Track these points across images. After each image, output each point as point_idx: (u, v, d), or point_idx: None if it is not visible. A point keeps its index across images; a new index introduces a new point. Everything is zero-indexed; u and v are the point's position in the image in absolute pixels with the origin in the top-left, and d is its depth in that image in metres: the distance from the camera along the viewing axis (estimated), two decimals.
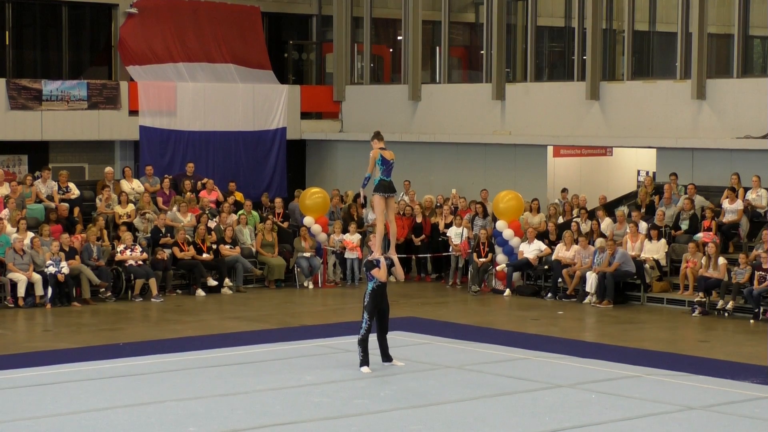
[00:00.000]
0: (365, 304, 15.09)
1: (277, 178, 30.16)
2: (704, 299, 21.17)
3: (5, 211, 23.09)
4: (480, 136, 28.41)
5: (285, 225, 26.05)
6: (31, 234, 22.42)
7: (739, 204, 23.03)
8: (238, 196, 26.50)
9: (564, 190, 26.58)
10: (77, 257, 22.24)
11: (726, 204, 23.17)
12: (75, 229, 23.34)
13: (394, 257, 15.60)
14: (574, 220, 24.44)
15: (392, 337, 16.61)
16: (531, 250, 23.78)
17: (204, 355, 16.48)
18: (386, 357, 15.48)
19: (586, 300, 22.40)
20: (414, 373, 15.14)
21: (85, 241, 22.73)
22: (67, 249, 22.12)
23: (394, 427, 12.38)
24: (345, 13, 31.07)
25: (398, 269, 15.68)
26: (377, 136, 15.64)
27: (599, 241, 22.76)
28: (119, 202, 24.73)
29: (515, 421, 12.65)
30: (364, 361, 15.07)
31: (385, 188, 15.43)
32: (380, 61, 32.57)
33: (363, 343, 15.08)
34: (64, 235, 22.56)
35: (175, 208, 24.71)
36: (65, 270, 21.63)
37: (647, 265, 22.45)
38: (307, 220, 25.20)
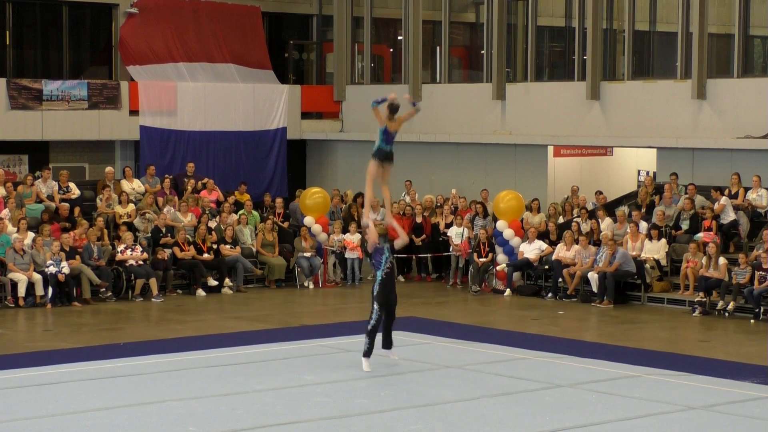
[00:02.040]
0: (375, 294, 15.04)
1: (278, 177, 30.16)
2: (705, 299, 21.17)
3: (5, 211, 23.10)
4: (480, 136, 28.41)
5: (285, 225, 26.05)
6: (31, 234, 22.42)
7: (724, 200, 23.08)
8: (245, 197, 26.40)
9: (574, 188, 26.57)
10: (77, 257, 22.24)
11: (716, 205, 23.25)
12: (74, 227, 23.29)
13: (394, 222, 15.50)
14: (575, 220, 24.44)
15: (393, 336, 16.62)
16: (531, 249, 23.78)
17: (204, 355, 16.49)
18: (387, 343, 15.43)
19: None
20: (414, 373, 15.15)
21: (84, 240, 22.73)
22: (67, 249, 22.13)
23: (394, 427, 12.38)
24: (345, 13, 31.08)
25: (401, 234, 15.52)
26: (392, 108, 15.44)
27: (604, 236, 22.79)
28: (119, 202, 24.73)
29: (515, 421, 12.66)
30: (368, 352, 15.04)
31: (384, 156, 15.38)
32: (381, 61, 32.58)
33: (372, 334, 15.04)
34: (65, 234, 22.56)
35: (167, 208, 24.67)
36: (66, 270, 21.63)
37: (647, 265, 22.45)
38: (308, 220, 25.21)
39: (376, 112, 15.54)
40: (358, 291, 24.15)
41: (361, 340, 15.36)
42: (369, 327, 15.09)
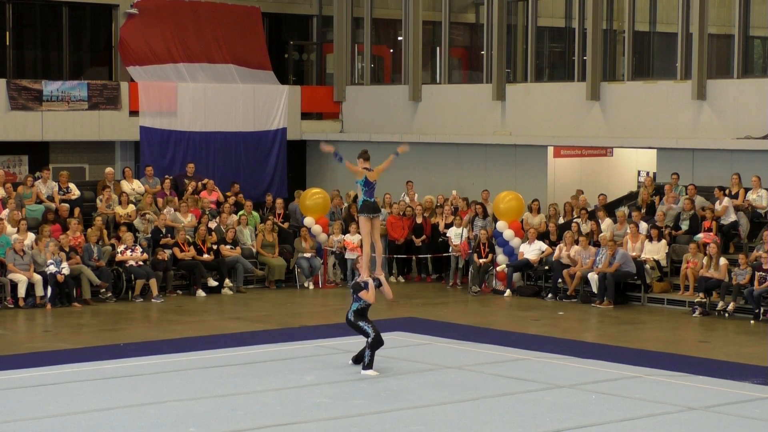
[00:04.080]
0: (353, 319, 15.04)
1: (278, 178, 30.16)
2: (705, 300, 21.18)
3: (5, 212, 23.10)
4: (480, 137, 28.40)
5: (285, 225, 26.05)
6: (31, 234, 22.43)
7: (726, 201, 23.07)
8: (239, 197, 26.46)
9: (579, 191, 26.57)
10: (77, 257, 22.23)
11: (717, 205, 23.23)
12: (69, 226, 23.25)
13: (382, 277, 15.57)
14: (575, 220, 24.44)
15: (393, 337, 16.64)
16: (531, 250, 23.79)
17: (204, 356, 16.49)
18: (359, 359, 15.37)
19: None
20: (414, 374, 15.16)
21: (79, 240, 22.73)
22: (67, 249, 22.13)
23: (394, 427, 12.39)
24: (345, 14, 31.07)
25: (386, 288, 15.62)
26: (363, 155, 15.64)
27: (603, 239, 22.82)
28: (120, 203, 24.73)
29: (515, 422, 12.66)
30: (370, 364, 14.97)
31: (370, 209, 15.51)
32: (381, 62, 32.57)
33: (374, 347, 14.97)
34: (64, 235, 22.57)
35: (167, 209, 24.67)
36: (66, 270, 21.62)
37: (647, 266, 22.45)
38: (308, 221, 25.21)
39: (351, 167, 15.53)
40: None
41: (360, 339, 15.35)
42: (370, 340, 14.99)
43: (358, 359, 15.33)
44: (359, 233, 25.08)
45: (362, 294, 15.04)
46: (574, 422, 12.64)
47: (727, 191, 23.53)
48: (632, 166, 28.79)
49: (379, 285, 15.43)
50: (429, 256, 25.58)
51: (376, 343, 15.00)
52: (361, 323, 15.04)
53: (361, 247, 16.38)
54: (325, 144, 16.15)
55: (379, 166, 15.68)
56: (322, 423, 12.50)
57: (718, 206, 23.24)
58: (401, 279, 25.78)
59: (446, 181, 28.57)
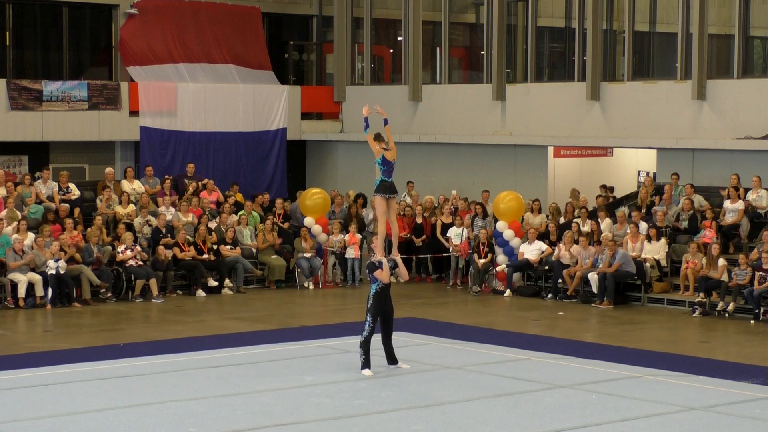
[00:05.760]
0: (369, 306, 15.06)
1: (278, 178, 30.16)
2: (705, 300, 21.17)
3: (5, 212, 23.10)
4: (480, 137, 28.40)
5: (286, 225, 26.05)
6: (31, 235, 22.42)
7: (740, 204, 23.02)
8: (239, 197, 26.48)
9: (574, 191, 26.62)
10: (77, 256, 22.22)
11: (728, 204, 23.17)
12: (74, 227, 23.26)
13: (398, 258, 15.55)
14: (575, 220, 24.44)
15: (393, 337, 16.60)
16: (531, 250, 23.78)
17: (204, 356, 16.49)
18: (392, 360, 15.45)
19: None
20: (414, 374, 15.16)
21: (78, 239, 22.72)
22: (66, 249, 22.12)
23: (394, 427, 12.39)
24: (345, 14, 31.07)
25: (402, 270, 15.65)
26: (377, 137, 15.68)
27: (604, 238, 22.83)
28: (120, 203, 24.73)
29: (516, 422, 12.66)
30: (366, 364, 15.03)
31: (387, 189, 15.49)
32: (381, 62, 32.57)
33: (365, 345, 15.03)
34: (63, 235, 22.57)
35: (163, 207, 24.67)
36: (61, 269, 21.53)
37: (647, 265, 22.45)
38: (308, 221, 25.21)
39: (371, 143, 15.60)
40: (358, 291, 24.16)
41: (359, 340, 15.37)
42: (362, 339, 15.06)
43: (391, 360, 15.36)
44: (359, 234, 25.23)
45: (377, 273, 15.01)
46: (574, 422, 12.64)
47: (726, 192, 23.43)
48: (632, 166, 28.79)
49: (395, 266, 15.40)
50: (429, 256, 25.58)
51: (363, 344, 15.00)
52: (368, 317, 15.00)
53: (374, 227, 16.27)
54: (368, 107, 16.06)
55: (390, 143, 15.64)
56: (322, 423, 12.50)
57: (729, 204, 23.13)
58: (401, 279, 25.75)
59: (446, 181, 28.58)
